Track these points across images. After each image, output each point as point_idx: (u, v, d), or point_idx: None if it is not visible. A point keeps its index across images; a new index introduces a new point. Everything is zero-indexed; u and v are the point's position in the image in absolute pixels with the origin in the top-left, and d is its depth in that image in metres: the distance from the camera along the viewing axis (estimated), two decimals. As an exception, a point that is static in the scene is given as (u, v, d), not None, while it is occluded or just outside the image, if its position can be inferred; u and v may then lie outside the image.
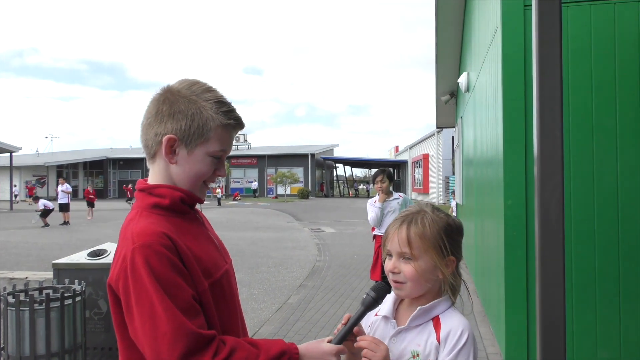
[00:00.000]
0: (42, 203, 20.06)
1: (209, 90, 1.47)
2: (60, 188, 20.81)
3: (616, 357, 4.11)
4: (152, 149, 1.46)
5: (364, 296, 1.51)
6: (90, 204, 22.77)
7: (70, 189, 21.28)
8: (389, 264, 1.51)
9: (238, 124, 1.50)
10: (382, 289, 1.50)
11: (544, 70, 2.37)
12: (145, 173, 47.88)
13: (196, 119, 1.42)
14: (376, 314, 1.60)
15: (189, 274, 1.34)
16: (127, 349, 1.40)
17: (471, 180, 8.51)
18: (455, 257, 1.49)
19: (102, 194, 47.41)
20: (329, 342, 1.44)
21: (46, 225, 19.46)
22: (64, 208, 20.29)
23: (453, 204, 13.19)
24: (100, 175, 49.97)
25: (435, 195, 34.12)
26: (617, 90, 4.15)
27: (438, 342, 1.43)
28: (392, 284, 1.53)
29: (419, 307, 1.48)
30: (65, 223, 20.08)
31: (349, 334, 1.45)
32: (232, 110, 1.48)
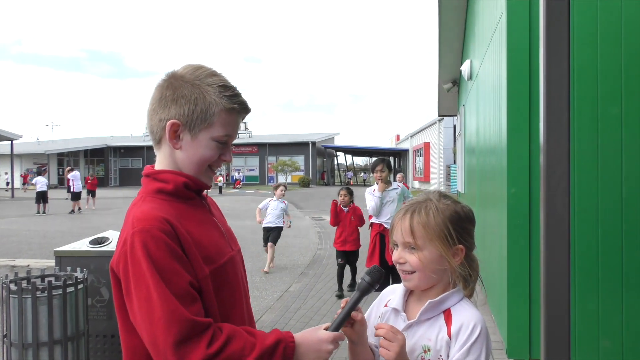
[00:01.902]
0: (38, 182, 19.99)
1: (213, 74, 1.45)
2: (71, 175, 20.70)
3: (618, 347, 4.11)
4: (157, 135, 1.46)
5: (359, 281, 1.49)
6: (91, 193, 22.69)
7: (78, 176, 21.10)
8: (395, 255, 1.49)
9: (243, 108, 1.48)
10: (376, 272, 1.48)
11: (551, 57, 2.33)
12: (146, 161, 47.93)
13: (199, 104, 1.41)
14: (385, 305, 1.57)
15: (188, 260, 1.33)
16: (128, 333, 1.40)
17: (473, 169, 8.48)
18: (464, 246, 1.45)
19: (103, 182, 47.43)
20: (326, 329, 1.43)
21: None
22: (76, 197, 20.22)
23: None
24: (101, 164, 49.95)
25: (436, 184, 34.09)
26: (623, 78, 4.11)
27: (449, 336, 1.40)
28: (400, 275, 1.51)
29: (428, 301, 1.44)
30: (73, 211, 20.05)
31: (346, 320, 1.43)
32: (237, 95, 1.46)
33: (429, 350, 1.42)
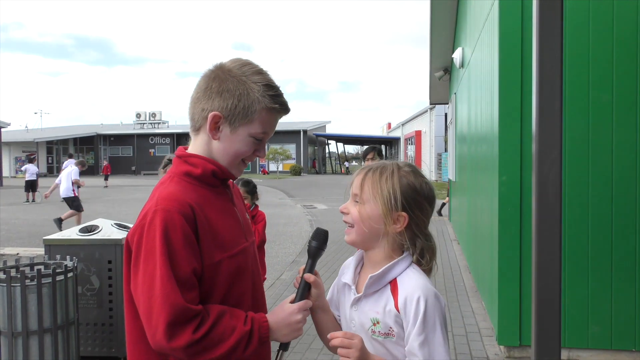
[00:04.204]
0: (28, 170, 19.74)
1: (260, 72, 1.50)
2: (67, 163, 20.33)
3: (607, 332, 4.16)
4: (197, 123, 1.51)
5: (308, 246, 1.54)
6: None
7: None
8: (342, 205, 1.52)
9: (283, 108, 1.53)
10: (321, 234, 1.53)
11: (544, 44, 2.32)
12: (136, 149, 47.68)
13: (243, 100, 1.46)
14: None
15: (199, 247, 1.39)
16: (134, 319, 1.45)
17: (464, 157, 8.50)
18: (408, 215, 1.44)
19: (92, 170, 47.11)
20: (292, 302, 1.48)
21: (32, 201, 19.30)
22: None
23: None
24: (90, 152, 49.59)
25: (428, 172, 34.20)
26: (615, 65, 4.12)
27: (397, 309, 1.39)
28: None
29: (369, 275, 1.44)
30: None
31: (308, 288, 1.49)
32: (279, 95, 1.50)
33: (378, 323, 1.43)
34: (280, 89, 1.52)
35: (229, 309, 1.43)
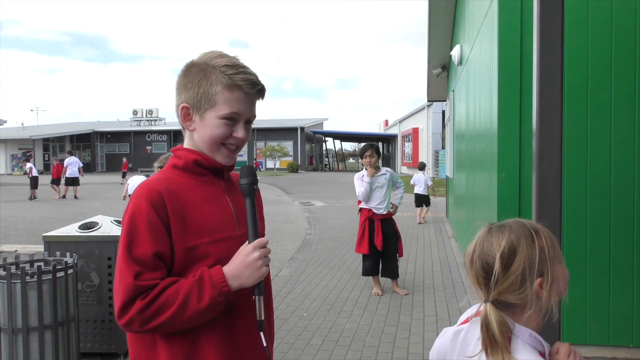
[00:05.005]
0: (32, 168, 19.67)
1: (221, 56, 1.52)
2: (68, 161, 20.11)
3: (605, 328, 4.18)
4: (179, 120, 1.58)
5: (240, 186, 1.55)
6: (56, 182, 20.70)
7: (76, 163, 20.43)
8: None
9: (248, 84, 1.50)
10: (248, 170, 1.55)
11: (544, 42, 2.34)
12: (133, 146, 47.60)
13: (202, 85, 1.49)
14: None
15: (167, 231, 1.42)
16: None
17: (463, 154, 8.51)
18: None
19: (89, 167, 46.97)
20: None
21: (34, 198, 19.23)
22: (75, 182, 19.75)
23: (417, 177, 12.91)
24: (87, 149, 49.45)
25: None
26: (613, 63, 4.13)
27: None
28: None
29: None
30: (64, 197, 19.71)
31: (257, 225, 1.51)
32: (240, 72, 1.49)
33: None
34: (249, 69, 1.52)
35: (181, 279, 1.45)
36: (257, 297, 1.46)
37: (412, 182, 12.93)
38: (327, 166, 54.95)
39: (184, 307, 1.37)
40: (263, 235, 1.62)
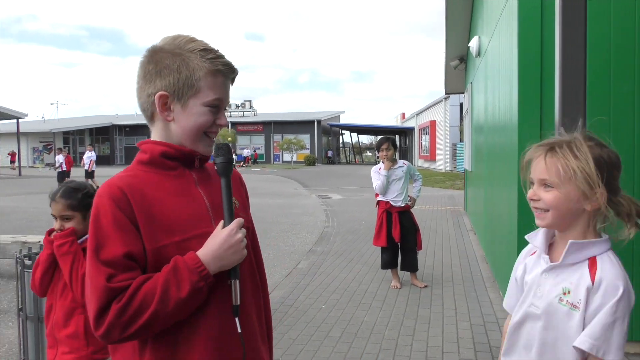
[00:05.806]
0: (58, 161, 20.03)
1: (192, 40, 1.44)
2: (87, 155, 20.53)
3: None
4: (148, 112, 1.46)
5: (216, 165, 1.48)
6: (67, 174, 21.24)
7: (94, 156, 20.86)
8: (530, 192, 1.49)
9: (228, 69, 1.46)
10: (223, 148, 1.48)
11: (566, 32, 2.31)
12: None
13: (183, 71, 1.40)
14: (532, 253, 1.59)
15: (136, 229, 1.33)
16: None
17: (481, 147, 8.45)
18: (606, 190, 1.41)
19: (108, 160, 47.52)
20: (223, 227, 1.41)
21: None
22: (90, 175, 20.07)
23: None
24: (106, 142, 50.03)
25: (442, 162, 34.02)
26: (636, 54, 4.06)
27: (592, 283, 1.39)
28: (534, 212, 1.50)
29: (570, 241, 1.43)
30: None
31: (233, 206, 1.43)
32: (219, 56, 1.44)
33: (569, 292, 1.42)
34: (219, 52, 1.45)
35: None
36: (232, 280, 1.39)
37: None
38: (337, 160, 54.80)
39: (165, 300, 1.28)
40: (252, 228, 1.55)
